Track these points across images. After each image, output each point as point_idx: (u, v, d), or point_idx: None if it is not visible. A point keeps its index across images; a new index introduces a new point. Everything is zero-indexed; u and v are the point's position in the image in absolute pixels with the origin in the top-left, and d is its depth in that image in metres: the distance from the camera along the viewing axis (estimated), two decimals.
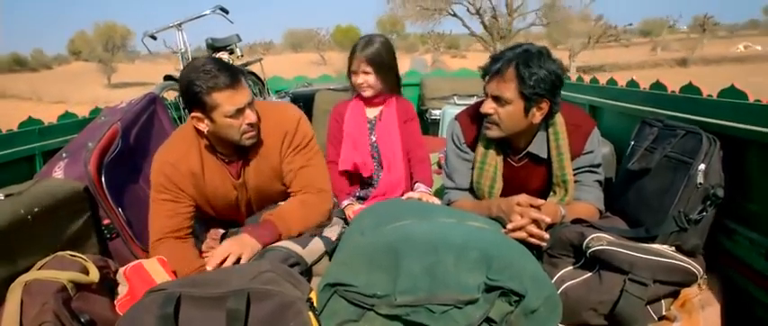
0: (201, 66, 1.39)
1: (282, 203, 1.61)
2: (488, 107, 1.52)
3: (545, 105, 1.50)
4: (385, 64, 2.00)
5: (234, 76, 1.40)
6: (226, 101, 1.39)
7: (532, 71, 1.44)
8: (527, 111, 1.49)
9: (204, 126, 1.44)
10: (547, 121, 1.58)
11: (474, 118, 1.67)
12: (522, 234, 1.41)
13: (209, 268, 1.34)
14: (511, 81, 1.46)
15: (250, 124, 1.45)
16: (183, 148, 1.53)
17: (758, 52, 16.56)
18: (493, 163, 1.63)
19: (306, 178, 1.59)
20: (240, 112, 1.42)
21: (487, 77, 1.52)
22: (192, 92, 1.38)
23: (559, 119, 1.58)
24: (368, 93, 2.02)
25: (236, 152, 1.55)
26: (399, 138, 2.05)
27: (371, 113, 2.10)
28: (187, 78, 1.39)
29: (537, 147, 1.61)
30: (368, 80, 1.99)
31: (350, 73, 2.02)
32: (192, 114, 1.44)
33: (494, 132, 1.56)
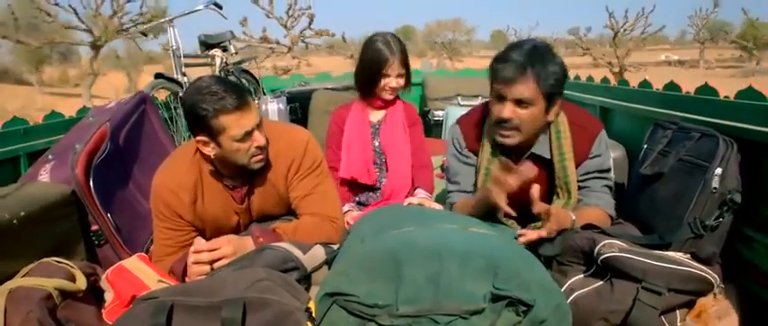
0: (207, 87, 1.36)
1: (295, 219, 1.60)
2: (509, 112, 1.48)
3: (559, 102, 1.51)
4: (408, 62, 2.03)
5: (242, 97, 1.37)
6: (234, 124, 1.36)
7: (549, 68, 1.44)
8: (547, 110, 1.50)
9: (210, 150, 1.42)
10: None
11: (476, 122, 1.68)
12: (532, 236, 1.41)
13: (194, 256, 1.34)
14: (531, 81, 1.44)
15: (259, 147, 1.43)
16: (182, 172, 1.51)
17: (673, 59, 25.14)
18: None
19: (315, 205, 1.57)
20: (248, 135, 1.39)
21: (502, 81, 1.47)
22: (198, 115, 1.35)
23: (562, 118, 1.59)
24: (392, 96, 2.02)
25: (242, 177, 1.53)
26: (407, 143, 2.05)
27: (375, 116, 2.10)
28: (191, 100, 1.36)
29: (540, 147, 1.61)
30: (401, 83, 2.00)
31: (379, 76, 1.97)
32: (198, 138, 1.41)
33: (513, 139, 1.52)
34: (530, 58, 1.45)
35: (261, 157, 1.46)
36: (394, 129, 2.05)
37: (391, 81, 1.98)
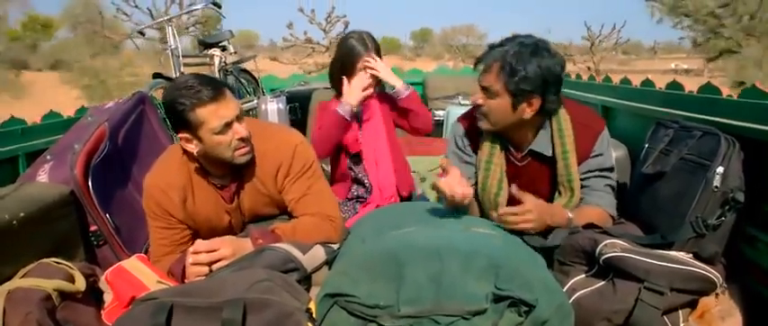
0: (183, 83, 1.37)
1: (294, 219, 1.59)
2: (478, 97, 1.55)
3: (535, 102, 1.49)
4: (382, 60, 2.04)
5: (218, 89, 1.38)
6: (211, 116, 1.36)
7: (520, 66, 1.44)
8: (515, 106, 1.50)
9: (193, 147, 1.42)
10: (550, 117, 1.58)
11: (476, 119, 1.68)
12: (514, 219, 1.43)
13: (193, 257, 1.34)
14: (497, 74, 1.48)
15: (241, 139, 1.42)
16: (172, 172, 1.51)
17: (681, 68, 24.49)
18: (499, 163, 1.64)
19: (312, 205, 1.56)
20: (228, 126, 1.39)
21: (479, 68, 1.55)
22: (176, 111, 1.36)
23: (565, 116, 1.58)
24: (372, 91, 2.02)
25: (230, 173, 1.53)
26: (386, 134, 2.07)
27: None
28: (170, 98, 1.37)
29: (540, 145, 1.61)
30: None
31: (352, 70, 1.98)
32: (180, 136, 1.42)
33: (484, 124, 1.59)
34: (504, 53, 1.47)
35: (245, 149, 1.45)
36: (372, 124, 2.06)
37: (367, 76, 1.98)
